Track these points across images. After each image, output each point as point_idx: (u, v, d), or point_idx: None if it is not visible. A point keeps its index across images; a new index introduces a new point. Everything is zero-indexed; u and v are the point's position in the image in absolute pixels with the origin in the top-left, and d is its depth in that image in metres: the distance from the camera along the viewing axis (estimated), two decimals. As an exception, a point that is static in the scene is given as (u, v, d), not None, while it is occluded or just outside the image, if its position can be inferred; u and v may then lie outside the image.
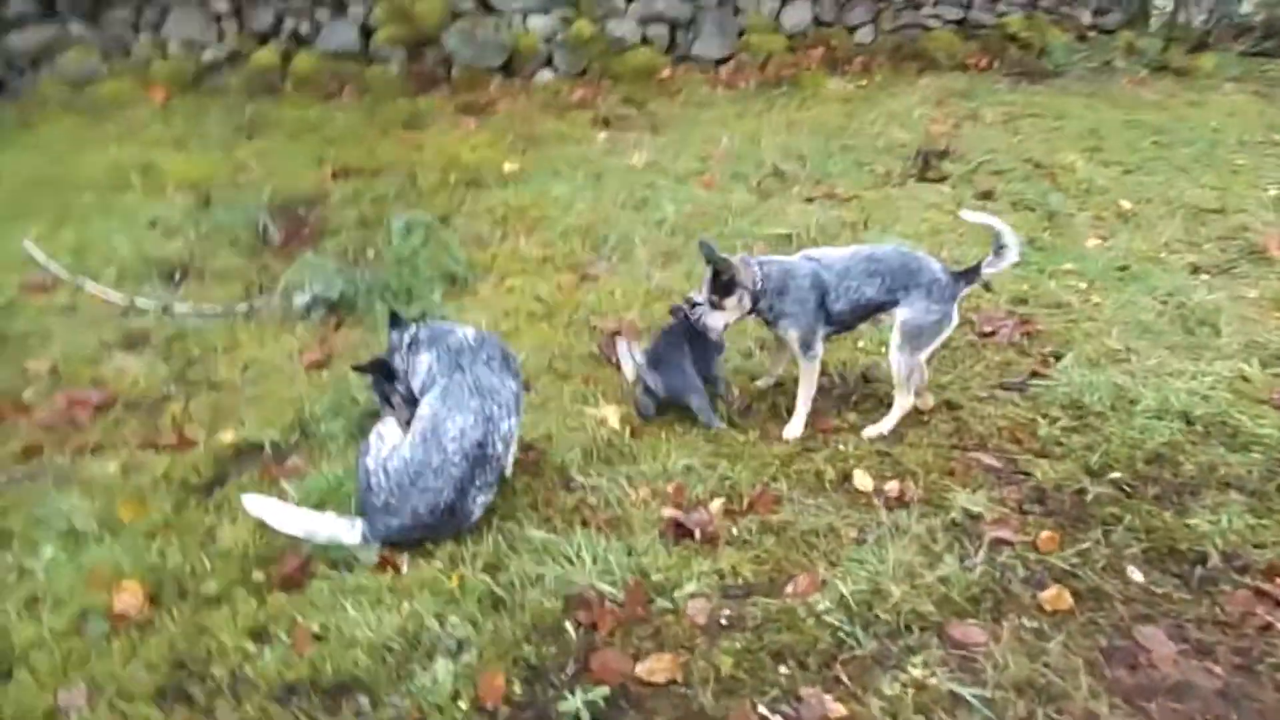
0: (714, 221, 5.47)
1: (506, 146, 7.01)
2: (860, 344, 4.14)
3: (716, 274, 3.34)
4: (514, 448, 3.11)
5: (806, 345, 3.43)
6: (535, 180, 6.30)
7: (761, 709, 2.29)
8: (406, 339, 3.11)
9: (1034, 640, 2.51)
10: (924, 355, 3.46)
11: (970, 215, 3.76)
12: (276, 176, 6.31)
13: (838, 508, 3.05)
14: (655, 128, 7.48)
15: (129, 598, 2.64)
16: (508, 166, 6.59)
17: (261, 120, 7.54)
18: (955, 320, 3.50)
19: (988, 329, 4.23)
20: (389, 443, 2.86)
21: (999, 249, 3.43)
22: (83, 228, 5.39)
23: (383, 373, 3.13)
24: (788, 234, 5.24)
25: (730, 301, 3.37)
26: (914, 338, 3.39)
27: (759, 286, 3.34)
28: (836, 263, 3.44)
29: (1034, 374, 3.86)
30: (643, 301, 4.57)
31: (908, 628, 2.55)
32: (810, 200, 5.83)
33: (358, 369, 3.22)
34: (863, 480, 3.18)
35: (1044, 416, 3.55)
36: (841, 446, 3.39)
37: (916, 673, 2.40)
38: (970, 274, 3.51)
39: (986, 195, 5.85)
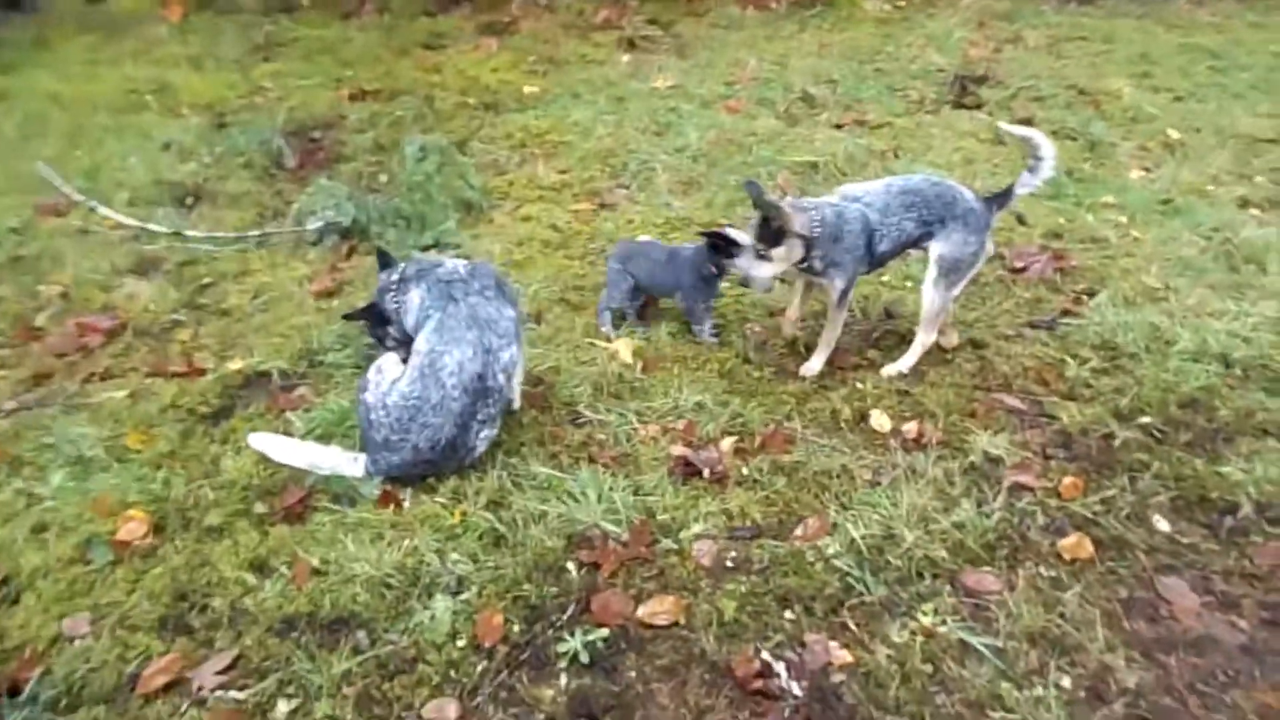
0: (738, 149, 5.27)
1: (527, 69, 6.78)
2: (885, 278, 3.98)
3: (765, 220, 3.05)
4: (519, 378, 3.04)
5: (844, 294, 3.22)
6: (556, 104, 6.10)
7: (765, 654, 2.25)
8: (395, 277, 3.03)
9: (1050, 590, 2.43)
10: (958, 290, 3.30)
11: (1007, 127, 3.56)
12: (292, 98, 6.17)
13: (853, 448, 2.96)
14: (681, 50, 7.19)
15: (134, 526, 2.64)
16: (528, 89, 6.38)
17: (278, 39, 7.34)
18: (991, 250, 3.32)
19: (1019, 264, 4.05)
20: (388, 378, 2.79)
21: (1035, 163, 3.20)
22: (96, 149, 5.30)
23: (375, 318, 3.06)
24: (814, 162, 5.04)
25: (779, 252, 3.07)
26: (951, 271, 3.21)
27: (814, 234, 3.06)
28: (877, 200, 3.16)
29: (1065, 312, 3.70)
30: (662, 230, 4.43)
31: (919, 574, 2.48)
32: (839, 127, 5.59)
33: (349, 317, 3.14)
34: (880, 420, 3.08)
35: (1073, 357, 3.40)
36: (860, 385, 3.28)
37: (926, 621, 2.33)
38: (1004, 197, 3.29)
39: (1025, 123, 5.55)
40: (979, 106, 5.90)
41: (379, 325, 3.09)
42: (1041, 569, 2.50)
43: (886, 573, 2.48)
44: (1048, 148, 3.20)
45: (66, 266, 4.14)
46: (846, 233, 3.11)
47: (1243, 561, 2.53)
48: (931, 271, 3.23)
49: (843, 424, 3.08)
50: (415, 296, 2.93)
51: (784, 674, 2.20)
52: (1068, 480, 2.78)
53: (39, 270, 4.12)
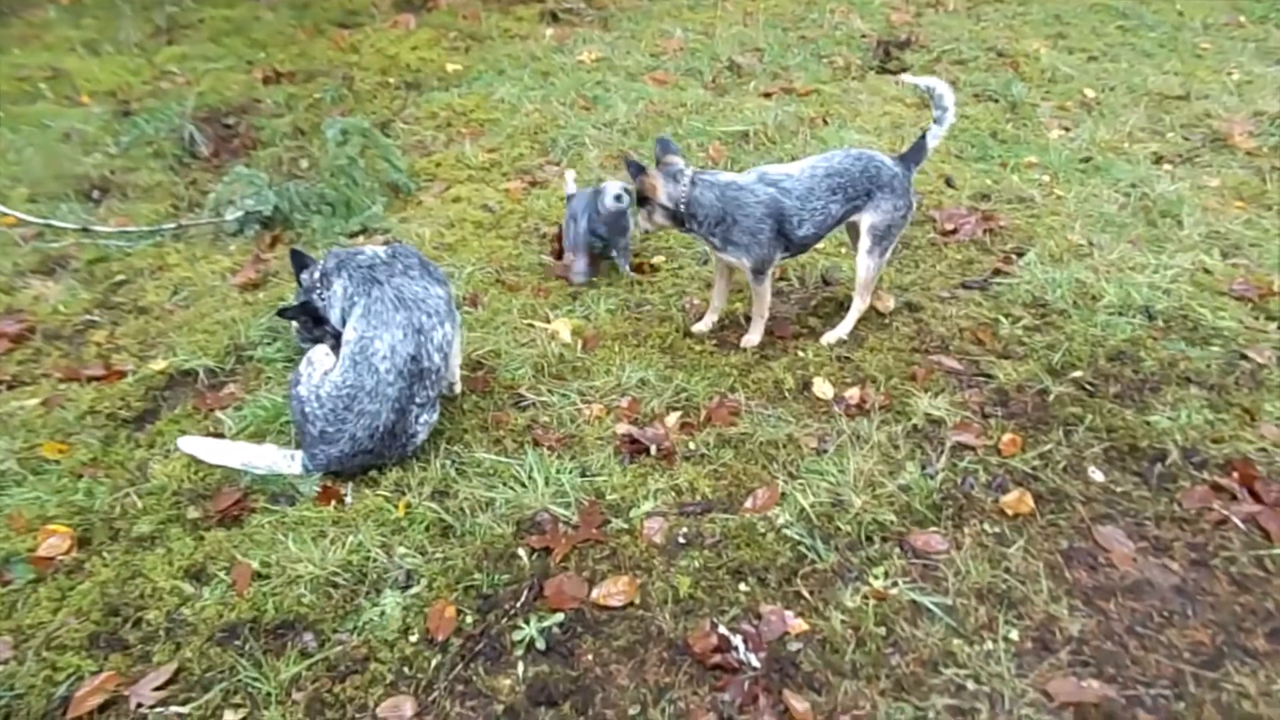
0: (668, 120, 5.22)
1: (448, 45, 6.60)
2: (820, 245, 4.00)
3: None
4: (456, 360, 2.97)
5: (759, 272, 3.23)
6: (480, 81, 5.95)
7: (722, 629, 2.25)
8: (317, 274, 2.93)
9: (995, 546, 2.49)
10: (890, 253, 3.33)
11: (909, 78, 3.61)
12: (201, 83, 5.89)
13: (798, 417, 2.97)
14: (605, 23, 7.08)
15: (55, 541, 2.50)
16: (450, 67, 6.22)
17: (181, 20, 7.00)
18: (914, 206, 3.38)
19: (949, 227, 4.11)
20: (319, 369, 2.70)
21: (940, 113, 3.27)
22: (-10, 142, 5.00)
23: (311, 314, 2.95)
24: (744, 131, 5.02)
25: (643, 212, 3.19)
26: (884, 238, 3.25)
27: (678, 206, 3.09)
28: (797, 186, 3.13)
29: (996, 272, 3.78)
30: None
31: (869, 538, 2.51)
32: (768, 95, 5.58)
33: (284, 313, 3.01)
34: (823, 388, 3.10)
35: (1006, 316, 3.47)
36: (801, 353, 3.29)
37: (878, 584, 2.36)
38: (918, 153, 3.34)
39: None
40: (903, 71, 5.95)
41: (316, 324, 2.97)
42: (986, 526, 2.55)
43: (837, 539, 2.51)
44: (949, 95, 3.26)
45: (-38, 268, 3.89)
46: (743, 216, 3.08)
47: (1172, 506, 2.62)
48: (865, 242, 3.26)
49: (786, 393, 3.09)
50: (338, 287, 2.83)
51: (741, 647, 2.21)
52: (1007, 437, 2.84)
53: (-66, 274, 3.87)
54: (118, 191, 4.63)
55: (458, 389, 3.04)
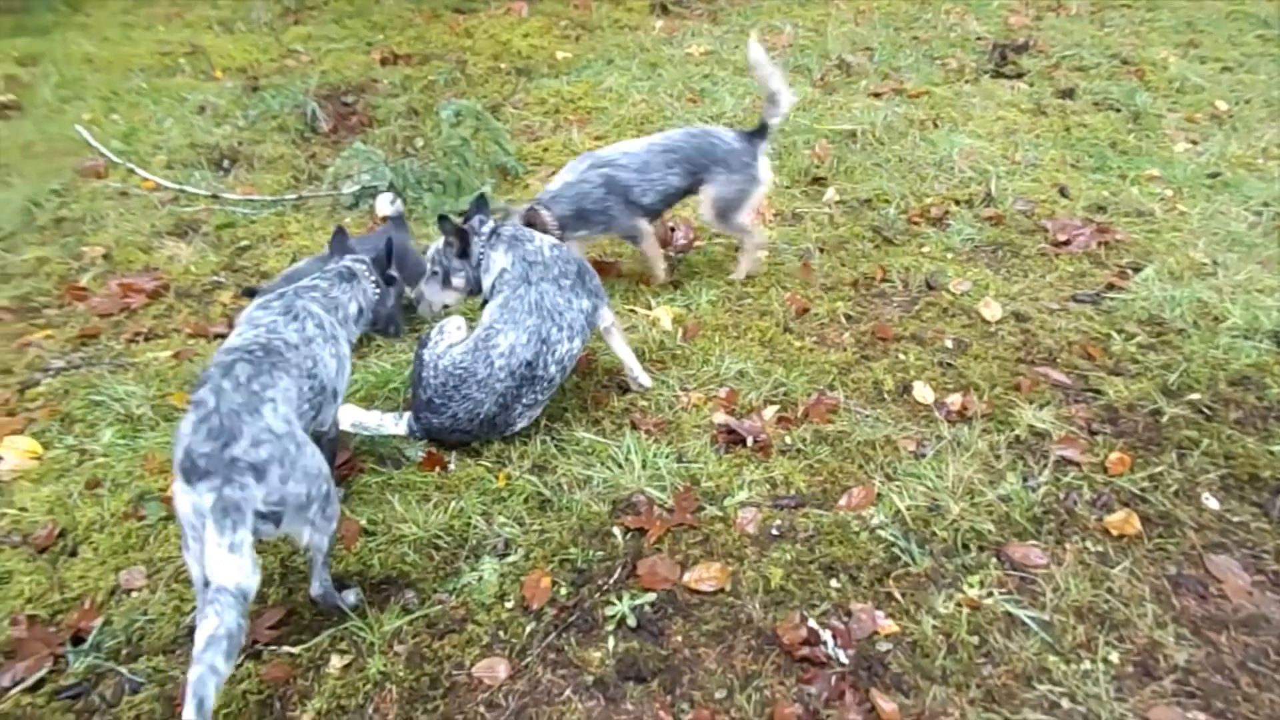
0: (775, 116, 5.20)
1: (559, 34, 6.72)
2: (925, 249, 3.94)
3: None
4: (629, 355, 3.08)
5: (632, 238, 3.60)
6: (589, 70, 6.04)
7: (811, 622, 2.25)
8: (489, 228, 2.92)
9: (1097, 565, 2.42)
10: (742, 218, 3.59)
11: (756, 51, 3.61)
12: (324, 62, 6.16)
13: (896, 419, 2.94)
14: (714, 16, 7.09)
15: (184, 484, 2.66)
16: (560, 55, 6.33)
17: (308, 3, 7.30)
18: (764, 177, 3.59)
19: (1062, 238, 3.99)
20: (447, 340, 2.80)
21: (771, 98, 3.51)
22: (132, 112, 5.32)
23: (462, 243, 2.88)
24: (852, 130, 4.97)
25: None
26: (727, 210, 3.56)
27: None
28: (632, 161, 3.47)
29: (1110, 286, 3.65)
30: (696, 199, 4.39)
31: (965, 546, 2.48)
32: (877, 96, 5.51)
33: (443, 220, 2.86)
34: (923, 392, 3.06)
35: (1119, 332, 3.36)
36: (902, 356, 3.25)
37: (972, 592, 2.33)
38: (761, 132, 3.58)
39: (1067, 94, 5.47)
40: (1019, 76, 5.79)
41: (460, 253, 2.89)
42: (1088, 544, 2.48)
43: (932, 544, 2.48)
44: (778, 80, 3.51)
45: (108, 228, 4.17)
46: (590, 205, 3.44)
47: (1293, 540, 2.51)
48: (707, 213, 3.59)
49: (886, 395, 3.06)
50: (499, 261, 2.87)
51: (830, 642, 2.21)
52: (1114, 456, 2.76)
53: (81, 231, 4.15)
54: (245, 162, 4.87)
55: (645, 382, 3.08)
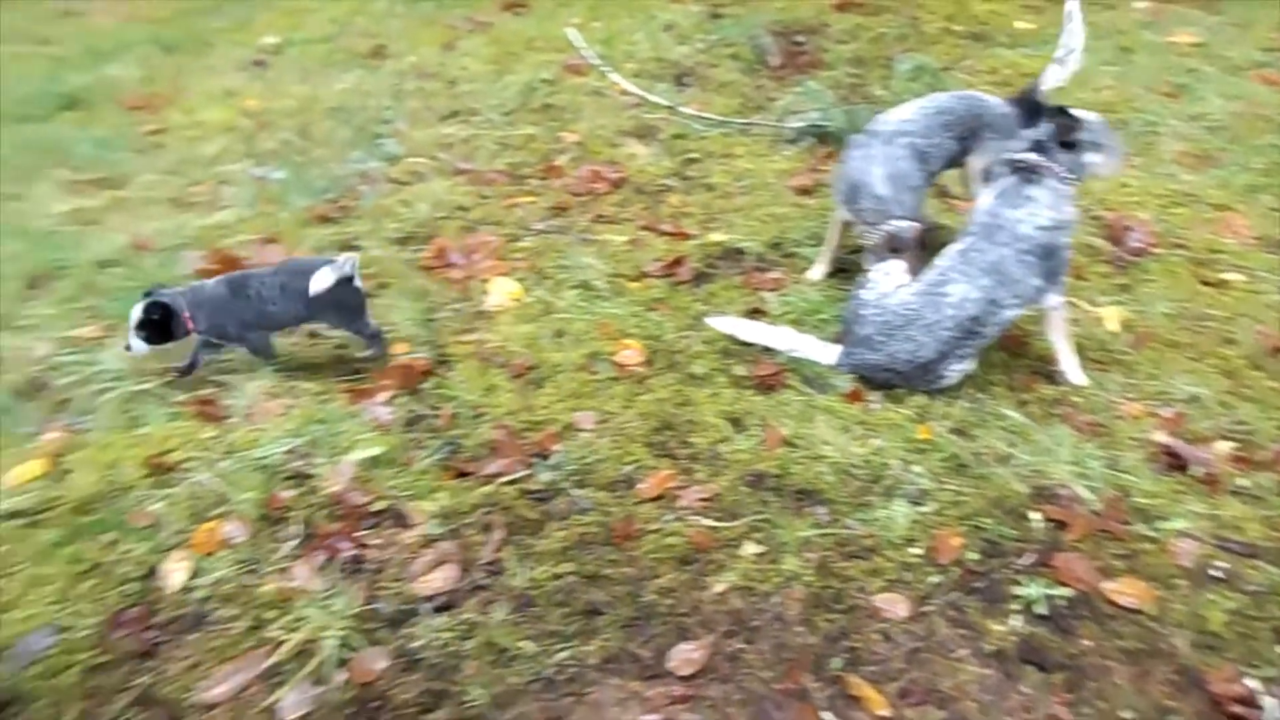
0: (1269, 127, 4.52)
1: (1023, 2, 6.30)
2: None
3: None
4: (1063, 342, 2.93)
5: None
6: (1050, 45, 5.61)
7: (1250, 682, 2.03)
8: (1040, 138, 2.83)
9: None
10: None
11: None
12: (781, 0, 6.32)
13: (1390, 498, 2.51)
14: (1211, 2, 6.24)
15: (630, 353, 3.00)
16: (1019, 24, 5.94)
17: (772, -60, 7.50)
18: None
19: None
20: (893, 281, 2.84)
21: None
22: (611, 23, 5.86)
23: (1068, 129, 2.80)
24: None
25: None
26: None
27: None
28: (916, 126, 3.21)
29: None
30: (1160, 203, 3.98)
31: None
32: None
33: (1058, 112, 2.83)
34: None
35: None
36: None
37: None
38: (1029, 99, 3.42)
39: None
40: None
41: (1063, 143, 2.79)
42: None
43: None
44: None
45: (583, 119, 4.68)
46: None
47: None
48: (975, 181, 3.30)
49: (1380, 467, 2.61)
50: (994, 188, 2.83)
51: (1273, 709, 1.98)
52: None
53: (562, 119, 4.70)
54: (699, 81, 5.19)
55: (1078, 379, 2.91)
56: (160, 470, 2.64)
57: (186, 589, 2.31)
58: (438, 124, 4.65)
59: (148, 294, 2.79)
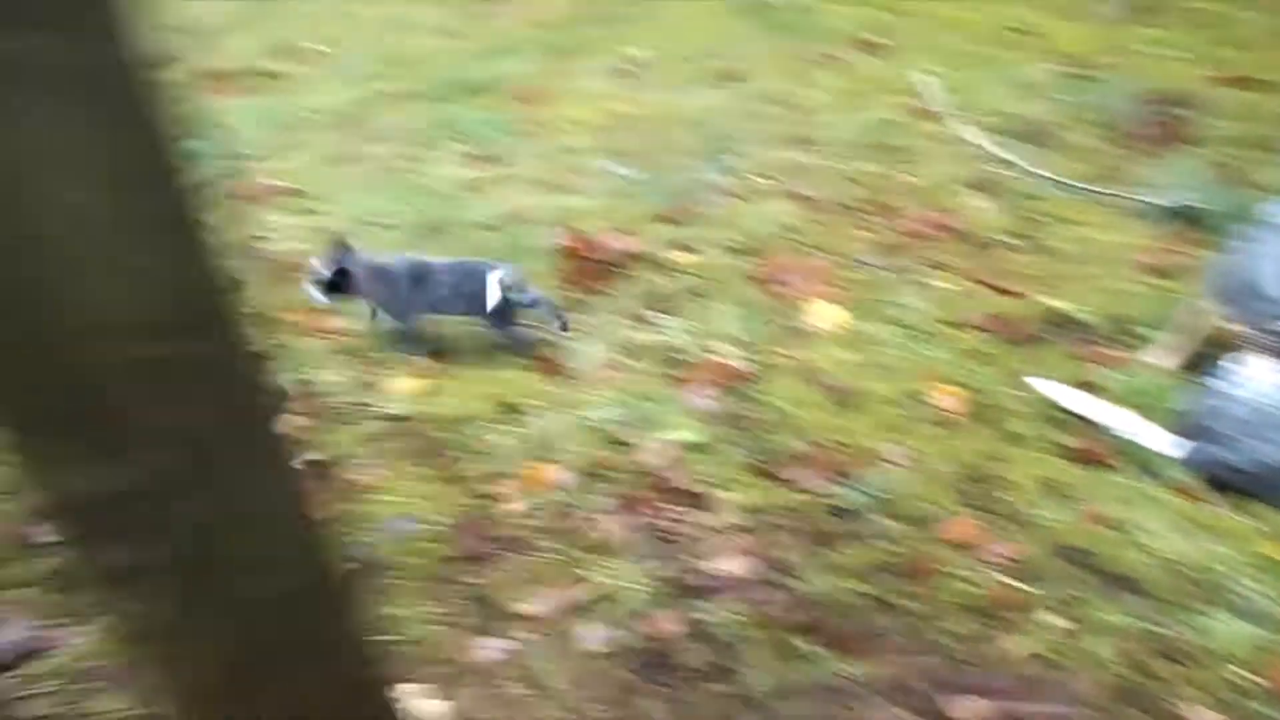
0: None
1: None
2: None
3: None
4: None
5: None
6: None
7: None
8: None
9: None
10: None
11: None
12: (1155, 66, 5.92)
13: None
14: None
15: (948, 399, 3.00)
16: None
17: (1158, 5, 7.02)
18: None
19: None
20: (1260, 375, 2.62)
21: None
22: (966, 73, 5.79)
23: None
24: None
25: None
26: None
27: None
28: None
29: None
30: None
31: None
32: None
33: None
34: None
35: None
36: None
37: None
38: None
39: None
40: None
41: None
42: None
43: None
44: None
45: (923, 165, 4.69)
46: None
47: None
48: None
49: None
50: None
51: None
52: None
53: (903, 161, 4.74)
54: (1050, 141, 5.01)
55: None
56: (506, 409, 3.05)
57: (521, 514, 2.65)
58: (781, 148, 4.87)
59: (339, 244, 3.18)
